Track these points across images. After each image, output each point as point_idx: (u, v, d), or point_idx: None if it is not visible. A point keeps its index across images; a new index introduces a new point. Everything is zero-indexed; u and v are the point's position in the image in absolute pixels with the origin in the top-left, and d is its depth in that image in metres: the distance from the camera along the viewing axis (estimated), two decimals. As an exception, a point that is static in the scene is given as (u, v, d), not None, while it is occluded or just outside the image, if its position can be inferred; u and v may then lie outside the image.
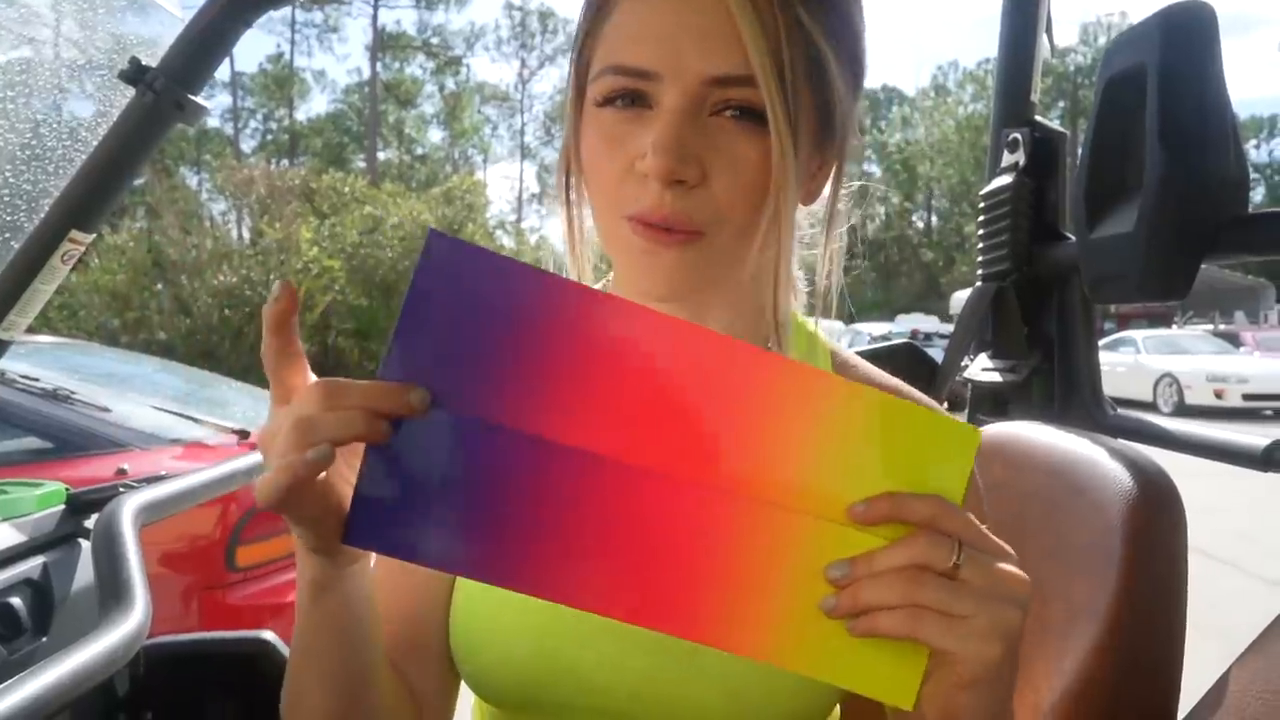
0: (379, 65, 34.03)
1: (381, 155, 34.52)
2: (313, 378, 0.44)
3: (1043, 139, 1.24)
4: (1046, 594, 0.79)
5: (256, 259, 11.64)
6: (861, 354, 0.88)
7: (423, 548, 0.41)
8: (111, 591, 0.79)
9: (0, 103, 0.97)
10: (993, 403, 1.30)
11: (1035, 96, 1.28)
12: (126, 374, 3.48)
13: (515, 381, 0.41)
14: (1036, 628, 0.78)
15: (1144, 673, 0.72)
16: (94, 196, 0.96)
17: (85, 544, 1.04)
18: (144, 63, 0.93)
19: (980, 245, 1.30)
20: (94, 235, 0.99)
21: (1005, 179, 1.24)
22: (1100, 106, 0.96)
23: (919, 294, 31.24)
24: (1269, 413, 10.89)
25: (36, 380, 2.59)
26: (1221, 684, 0.61)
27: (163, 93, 0.92)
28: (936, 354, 1.32)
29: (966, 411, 1.33)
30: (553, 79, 36.89)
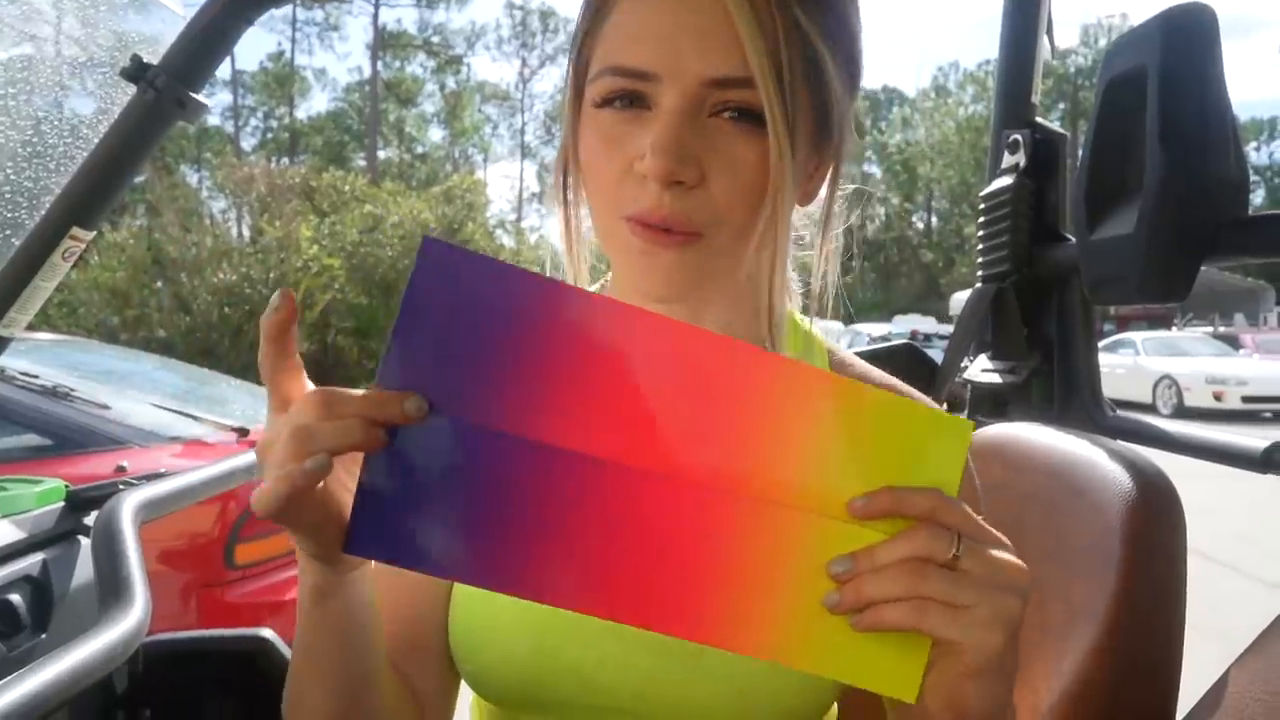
0: (380, 64, 34.04)
1: (382, 154, 34.53)
2: (310, 386, 0.44)
3: (1043, 140, 1.24)
4: (1045, 595, 0.79)
5: (256, 257, 11.63)
6: (861, 354, 0.88)
7: (423, 555, 0.41)
8: (111, 588, 0.79)
9: (2, 100, 0.97)
10: (992, 404, 1.30)
11: (1036, 98, 1.28)
12: (126, 371, 3.48)
13: (512, 386, 0.41)
14: (1035, 629, 0.78)
15: (1143, 674, 0.72)
16: (95, 194, 0.96)
17: (85, 541, 1.04)
18: (145, 60, 0.93)
19: (980, 246, 1.30)
20: (95, 232, 0.99)
21: (1006, 180, 1.24)
22: (1101, 108, 0.96)
23: (919, 295, 31.24)
24: (1268, 415, 10.90)
25: (36, 377, 2.59)
26: (1220, 685, 0.62)
27: (164, 90, 0.92)
28: (933, 355, 1.33)
29: (966, 412, 1.33)
30: (553, 78, 36.91)
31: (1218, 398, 11.05)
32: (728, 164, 0.53)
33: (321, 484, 0.42)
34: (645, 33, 0.53)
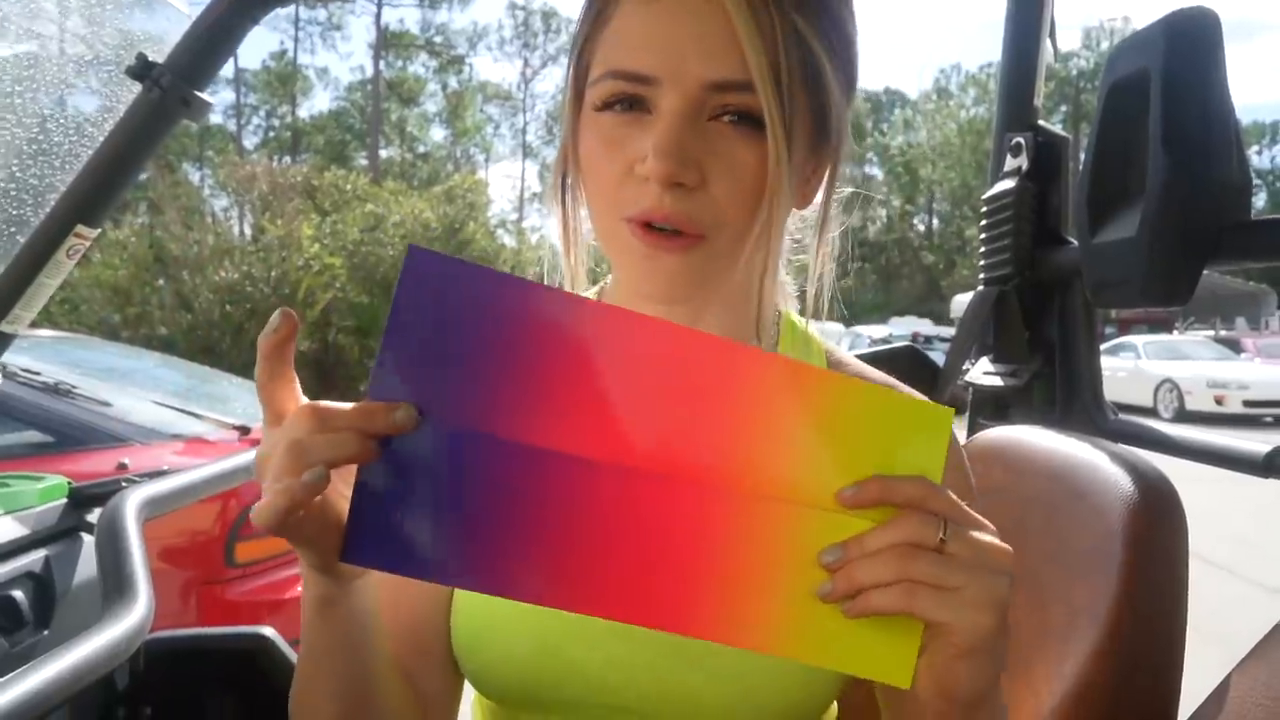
0: (382, 63, 34.04)
1: (384, 153, 34.53)
2: (304, 400, 0.44)
3: (1045, 143, 1.24)
4: (1047, 598, 0.79)
5: (258, 255, 11.62)
6: (862, 357, 0.88)
7: (421, 562, 0.41)
8: (115, 585, 0.79)
9: (8, 97, 0.97)
10: (994, 407, 1.30)
11: (1038, 101, 1.28)
12: (127, 369, 3.48)
13: (502, 390, 0.41)
14: (1037, 631, 0.79)
15: (1144, 677, 0.72)
16: (100, 192, 0.97)
17: (87, 538, 1.04)
18: (151, 59, 0.93)
19: (982, 249, 1.30)
20: (99, 230, 1.00)
21: (1008, 183, 1.24)
22: (1103, 112, 0.96)
23: (920, 297, 31.22)
24: (1269, 419, 10.89)
25: (38, 374, 2.59)
26: (1222, 690, 0.62)
27: (169, 89, 0.92)
28: (931, 356, 1.33)
29: (968, 415, 1.34)
30: (555, 78, 36.92)
31: (1219, 402, 11.05)
32: (728, 167, 0.53)
33: (320, 496, 0.42)
34: (646, 37, 0.53)
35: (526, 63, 36.67)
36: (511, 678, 0.60)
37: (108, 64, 1.02)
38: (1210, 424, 9.67)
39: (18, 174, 0.98)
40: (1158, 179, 0.84)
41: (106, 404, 2.63)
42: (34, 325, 1.06)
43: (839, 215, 0.64)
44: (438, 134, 37.75)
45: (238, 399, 3.31)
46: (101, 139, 0.96)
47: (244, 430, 2.75)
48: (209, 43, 0.95)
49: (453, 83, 36.78)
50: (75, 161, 0.99)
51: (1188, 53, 0.85)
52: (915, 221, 36.75)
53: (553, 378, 0.42)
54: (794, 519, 0.43)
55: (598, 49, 0.56)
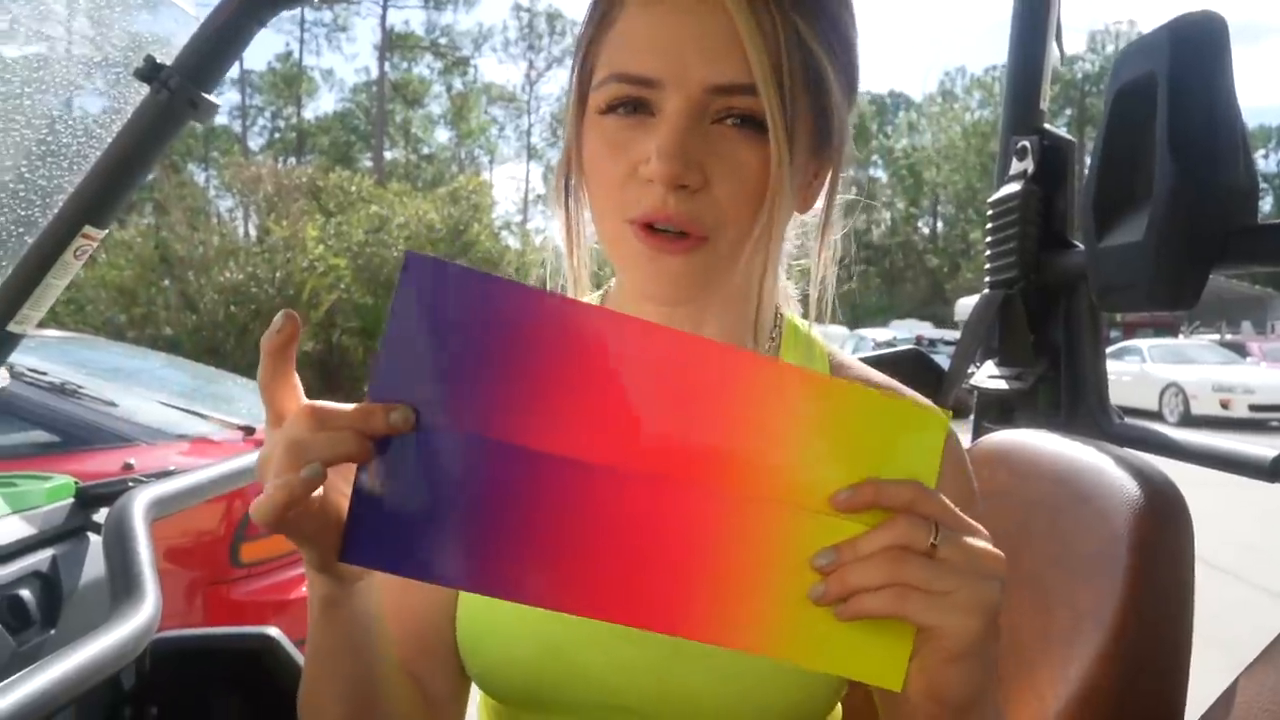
0: (387, 65, 34.15)
1: (388, 154, 34.61)
2: (305, 401, 0.45)
3: (1051, 147, 1.24)
4: (1051, 601, 0.79)
5: (263, 256, 11.65)
6: (866, 360, 0.88)
7: (417, 563, 0.42)
8: (123, 585, 0.79)
9: (17, 99, 0.97)
10: (999, 410, 1.29)
11: (1044, 104, 1.28)
12: (133, 369, 3.49)
13: (498, 393, 0.42)
14: (1041, 635, 0.78)
15: (1149, 681, 0.72)
16: (107, 193, 0.97)
17: (93, 538, 1.05)
18: (158, 61, 0.94)
19: (988, 252, 1.30)
20: (106, 231, 1.00)
21: (1014, 186, 1.24)
22: (1110, 116, 0.96)
23: (924, 299, 31.17)
24: (1276, 424, 10.84)
25: (44, 374, 2.60)
26: (1229, 695, 0.61)
27: (177, 91, 0.93)
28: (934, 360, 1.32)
29: (972, 418, 1.33)
30: (560, 80, 36.93)
31: (1225, 406, 11.01)
32: (731, 169, 0.54)
33: (320, 494, 0.43)
34: (650, 41, 0.54)
35: (531, 64, 36.75)
36: (515, 679, 0.61)
37: (115, 66, 1.02)
38: (1216, 428, 9.64)
39: (26, 175, 0.98)
40: (1164, 183, 0.84)
41: (112, 404, 2.64)
42: (40, 325, 1.06)
43: (840, 218, 0.64)
44: (442, 135, 37.87)
45: (242, 399, 3.32)
46: (109, 140, 0.97)
47: (249, 431, 2.75)
48: (216, 45, 0.95)
49: (457, 84, 36.87)
50: (83, 163, 1.00)
51: (1194, 57, 0.85)
52: (920, 224, 36.71)
53: (548, 381, 0.42)
54: (788, 521, 0.43)
55: (602, 52, 0.57)
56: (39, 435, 2.50)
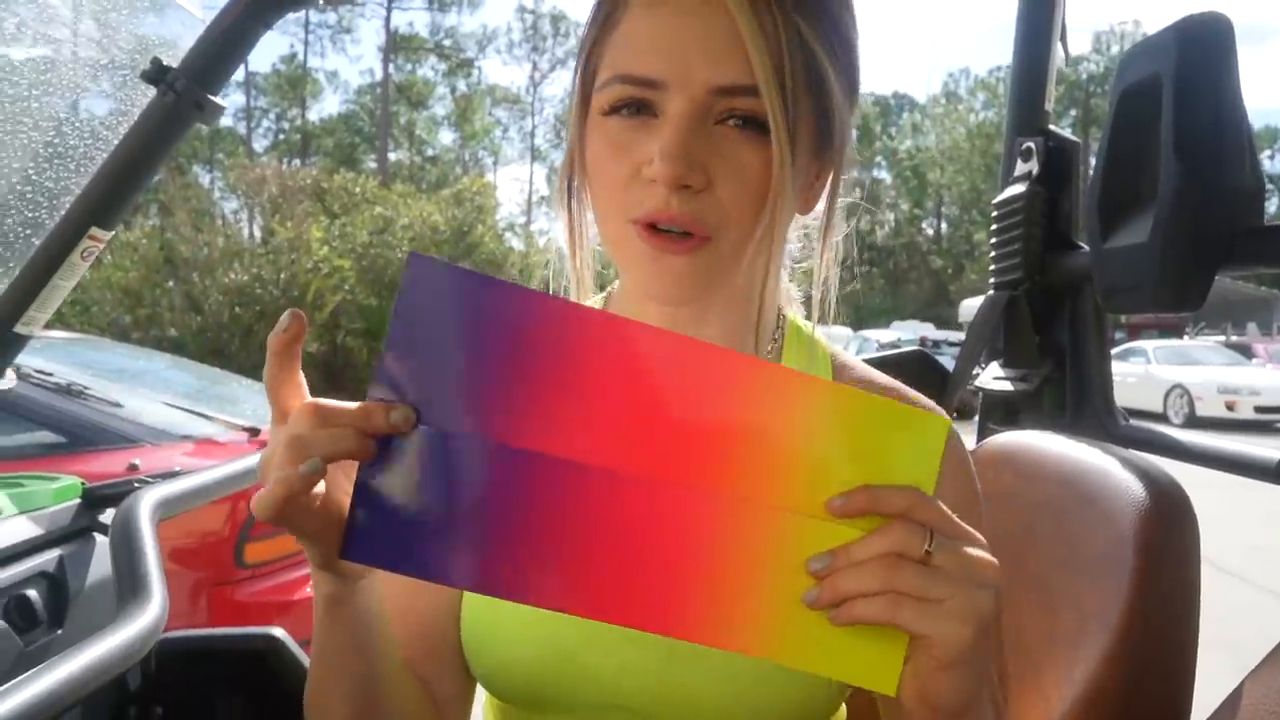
0: (391, 67, 34.20)
1: (392, 156, 34.67)
2: (309, 398, 0.45)
3: (1056, 148, 1.24)
4: (1057, 603, 0.79)
5: (267, 258, 11.68)
6: (871, 361, 0.88)
7: (416, 561, 0.42)
8: (130, 585, 0.80)
9: (25, 101, 0.98)
10: (1004, 411, 1.29)
11: (1049, 105, 1.28)
12: (138, 370, 3.50)
13: (497, 395, 0.42)
14: (1046, 636, 0.78)
15: (1155, 683, 0.72)
16: (114, 194, 0.98)
17: (100, 538, 1.05)
18: (165, 63, 0.94)
19: (993, 254, 1.30)
20: (113, 233, 1.00)
21: (1018, 188, 1.24)
22: (1115, 117, 0.96)
23: (928, 301, 31.11)
24: (1281, 426, 10.81)
25: (51, 375, 2.61)
26: (1234, 698, 0.61)
27: (183, 93, 0.93)
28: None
29: (977, 420, 1.33)
30: (564, 82, 36.95)
31: (1230, 407, 10.97)
32: (733, 169, 0.54)
33: (322, 491, 0.44)
34: (654, 42, 0.54)
35: (535, 66, 36.79)
36: (519, 680, 0.61)
37: (122, 68, 1.03)
38: (1221, 430, 9.61)
39: (34, 177, 0.99)
40: (1170, 184, 0.84)
41: (118, 405, 2.65)
42: (46, 326, 1.07)
43: (843, 220, 0.64)
44: (446, 137, 37.92)
45: (247, 400, 3.33)
46: (115, 143, 0.97)
47: (254, 432, 2.76)
48: (222, 47, 0.96)
49: (461, 86, 36.92)
50: (90, 165, 1.00)
51: (1200, 58, 0.84)
52: (924, 226, 36.66)
53: (547, 383, 0.43)
54: (784, 525, 0.43)
55: (605, 54, 0.57)
56: (45, 436, 2.51)
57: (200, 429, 2.74)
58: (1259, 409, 10.86)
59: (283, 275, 11.25)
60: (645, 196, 0.54)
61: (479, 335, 0.42)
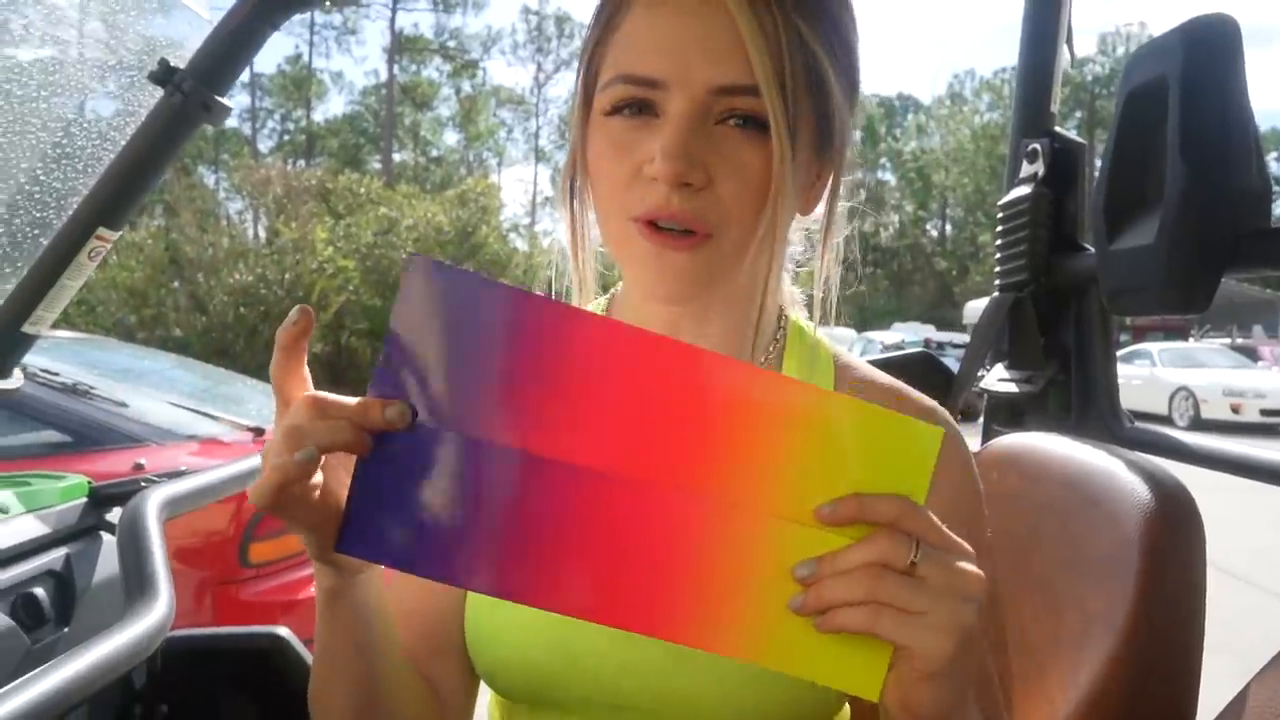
0: (396, 68, 34.26)
1: (397, 157, 34.74)
2: (310, 392, 0.46)
3: (1062, 150, 1.24)
4: (1061, 605, 0.79)
5: (272, 258, 11.70)
6: (875, 363, 0.88)
7: (409, 556, 0.43)
8: (137, 584, 0.80)
9: (33, 102, 0.98)
10: (1009, 413, 1.29)
11: (1055, 107, 1.28)
12: (143, 370, 3.51)
13: (493, 396, 0.43)
14: (1051, 638, 0.78)
15: (1160, 686, 0.72)
16: (121, 195, 0.98)
17: (107, 537, 1.05)
18: (172, 64, 0.94)
19: (998, 255, 1.30)
20: (120, 233, 1.01)
21: (1024, 189, 1.24)
22: (1121, 119, 0.96)
23: (932, 302, 31.03)
24: (1287, 428, 10.77)
25: (57, 375, 2.62)
26: (1239, 701, 0.61)
27: (190, 94, 0.94)
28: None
29: (982, 421, 1.33)
30: (568, 83, 36.92)
31: (1235, 410, 10.93)
32: (734, 168, 0.55)
33: (320, 484, 0.45)
34: (655, 43, 0.55)
35: (540, 67, 36.83)
36: (521, 678, 0.61)
37: (129, 69, 1.03)
38: (1226, 433, 9.57)
39: (41, 177, 0.99)
40: (1176, 186, 0.84)
41: (123, 405, 2.66)
42: (52, 326, 1.07)
43: (845, 221, 0.64)
44: (451, 138, 37.97)
45: (252, 400, 3.34)
46: (123, 143, 0.98)
47: (258, 432, 2.77)
48: (229, 48, 0.96)
49: (466, 87, 36.97)
50: (97, 165, 1.01)
51: (1206, 60, 0.84)
52: (928, 227, 36.58)
53: (542, 385, 0.43)
54: (774, 532, 0.44)
55: (607, 54, 0.57)
56: (51, 435, 2.52)
57: (205, 429, 2.75)
58: (1264, 412, 10.82)
59: (287, 276, 11.28)
60: (646, 194, 0.55)
61: (476, 336, 0.43)
